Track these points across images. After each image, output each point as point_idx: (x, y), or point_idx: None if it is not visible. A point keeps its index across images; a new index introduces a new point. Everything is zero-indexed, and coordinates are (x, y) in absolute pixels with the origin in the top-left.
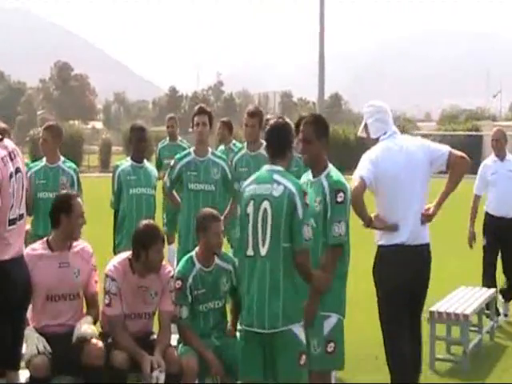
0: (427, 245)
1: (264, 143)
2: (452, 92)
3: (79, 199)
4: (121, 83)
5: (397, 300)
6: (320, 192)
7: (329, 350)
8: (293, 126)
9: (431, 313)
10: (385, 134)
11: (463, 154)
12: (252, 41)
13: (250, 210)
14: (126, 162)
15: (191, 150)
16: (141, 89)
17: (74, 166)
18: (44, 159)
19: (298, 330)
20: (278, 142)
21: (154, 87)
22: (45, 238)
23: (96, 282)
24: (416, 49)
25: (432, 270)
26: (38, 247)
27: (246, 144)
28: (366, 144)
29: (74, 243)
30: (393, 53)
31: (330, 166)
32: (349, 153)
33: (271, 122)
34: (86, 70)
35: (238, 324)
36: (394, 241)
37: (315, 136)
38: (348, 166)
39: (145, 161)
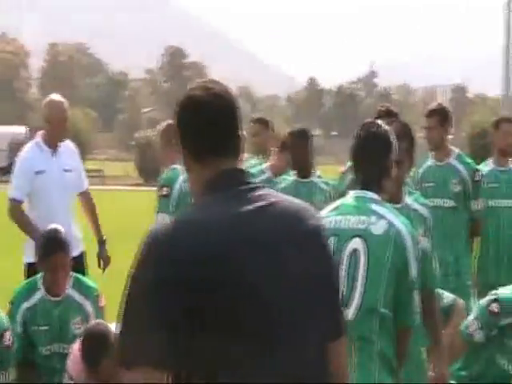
0: None
1: (455, 150)
2: None
3: None
4: (246, 74)
5: None
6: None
7: None
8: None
9: None
10: None
11: None
12: (413, 24)
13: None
14: (288, 177)
15: None
16: (271, 81)
17: None
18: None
19: None
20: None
21: (288, 79)
22: None
23: None
24: None
25: None
26: None
27: (431, 153)
28: None
29: None
30: None
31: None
32: None
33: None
34: (202, 57)
35: None
36: None
37: (407, 153)
38: None
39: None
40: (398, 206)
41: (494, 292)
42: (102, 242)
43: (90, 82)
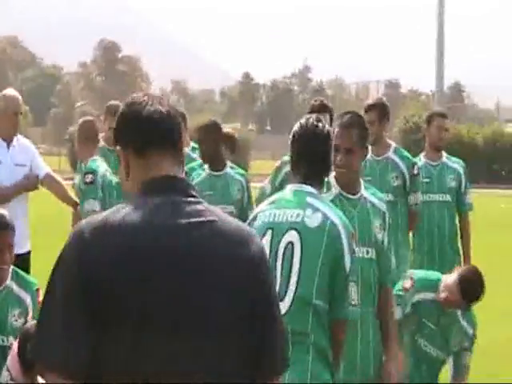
0: None
1: (393, 144)
2: None
3: None
4: (180, 68)
5: None
6: (378, 215)
7: None
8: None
9: None
10: None
11: None
12: (346, 18)
13: (265, 244)
14: (201, 171)
15: None
16: (205, 75)
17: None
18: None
19: None
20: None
21: (222, 74)
22: None
23: None
24: None
25: None
26: None
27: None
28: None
29: None
30: None
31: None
32: (476, 159)
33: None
34: (136, 51)
35: None
36: None
37: (360, 142)
38: (475, 176)
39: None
40: (355, 197)
41: (410, 271)
42: (74, 203)
43: (23, 76)
